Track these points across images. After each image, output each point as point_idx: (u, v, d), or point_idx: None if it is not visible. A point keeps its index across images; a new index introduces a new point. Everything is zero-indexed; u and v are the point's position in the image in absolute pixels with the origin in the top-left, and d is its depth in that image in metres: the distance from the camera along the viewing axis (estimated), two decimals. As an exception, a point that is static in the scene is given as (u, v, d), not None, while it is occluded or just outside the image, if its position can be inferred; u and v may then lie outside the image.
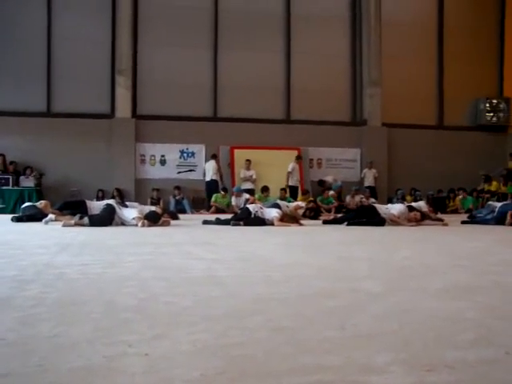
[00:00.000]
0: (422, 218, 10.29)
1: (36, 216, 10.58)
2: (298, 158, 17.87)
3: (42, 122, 17.46)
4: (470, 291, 3.20)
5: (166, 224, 9.88)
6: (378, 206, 10.91)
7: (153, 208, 10.45)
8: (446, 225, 10.43)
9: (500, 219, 10.42)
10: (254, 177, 17.62)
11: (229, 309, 2.64)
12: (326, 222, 10.92)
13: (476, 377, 1.67)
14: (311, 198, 15.86)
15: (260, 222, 10.08)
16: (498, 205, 11.10)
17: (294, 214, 10.88)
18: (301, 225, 10.15)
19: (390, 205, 11.16)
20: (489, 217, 10.83)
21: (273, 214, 10.21)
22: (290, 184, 17.42)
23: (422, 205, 12.20)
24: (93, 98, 17.84)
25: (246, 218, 10.15)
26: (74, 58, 17.82)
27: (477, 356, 1.87)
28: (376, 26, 19.07)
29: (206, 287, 3.28)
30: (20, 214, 11.29)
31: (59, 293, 3.08)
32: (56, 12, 17.89)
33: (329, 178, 18.25)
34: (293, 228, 9.68)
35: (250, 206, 10.82)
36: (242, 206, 13.19)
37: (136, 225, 9.31)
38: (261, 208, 10.59)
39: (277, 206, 11.21)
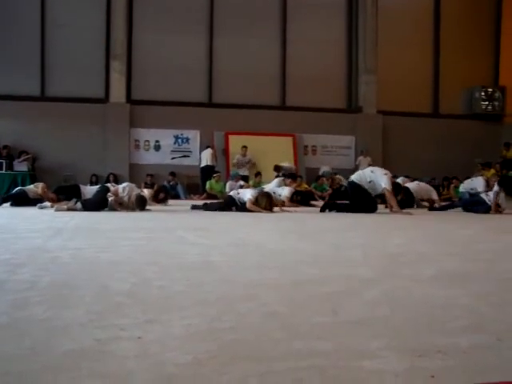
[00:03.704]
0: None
1: (21, 195, 10.50)
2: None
3: (36, 106, 17.36)
4: (463, 278, 3.21)
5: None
6: (358, 180, 10.15)
7: (145, 191, 10.39)
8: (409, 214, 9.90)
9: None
10: (252, 161, 17.60)
11: (221, 294, 2.64)
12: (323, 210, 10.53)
13: (468, 362, 1.68)
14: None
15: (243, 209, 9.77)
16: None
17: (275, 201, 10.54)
18: (272, 212, 9.73)
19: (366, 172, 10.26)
20: (479, 206, 10.81)
21: (247, 195, 9.89)
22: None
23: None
24: (87, 83, 17.75)
25: (234, 206, 9.90)
26: (68, 42, 17.71)
27: (469, 342, 1.87)
28: (372, 13, 19.02)
29: (199, 272, 3.28)
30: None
31: (52, 276, 3.07)
32: (50, -5, 17.75)
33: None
34: (264, 213, 9.31)
35: (232, 193, 10.64)
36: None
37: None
38: (238, 193, 10.36)
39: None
